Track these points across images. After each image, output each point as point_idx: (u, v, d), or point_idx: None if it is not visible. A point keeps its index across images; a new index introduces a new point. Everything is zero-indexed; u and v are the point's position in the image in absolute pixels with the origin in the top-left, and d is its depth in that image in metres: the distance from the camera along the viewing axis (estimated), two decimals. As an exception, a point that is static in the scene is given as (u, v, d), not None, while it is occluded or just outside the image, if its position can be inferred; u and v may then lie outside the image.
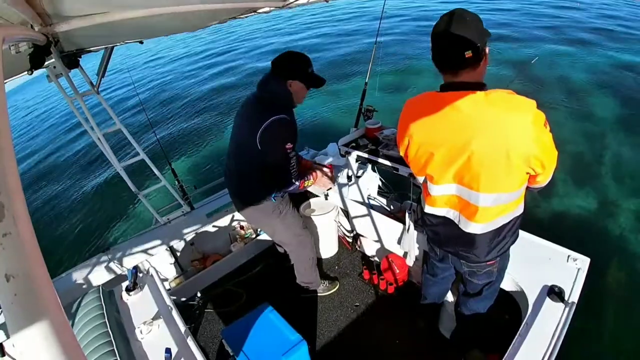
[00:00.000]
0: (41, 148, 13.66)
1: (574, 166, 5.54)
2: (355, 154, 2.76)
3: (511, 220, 1.60)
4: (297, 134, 2.26)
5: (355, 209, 2.95)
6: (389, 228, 2.75)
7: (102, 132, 2.51)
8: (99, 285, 2.20)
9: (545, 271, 2.04)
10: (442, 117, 1.44)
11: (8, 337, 0.41)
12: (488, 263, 1.73)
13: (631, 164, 5.53)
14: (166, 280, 3.13)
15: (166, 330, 1.94)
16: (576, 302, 1.87)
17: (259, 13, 1.98)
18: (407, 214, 2.45)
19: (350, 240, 3.43)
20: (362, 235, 3.22)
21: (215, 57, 19.10)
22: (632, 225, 4.40)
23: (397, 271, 2.89)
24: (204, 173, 7.53)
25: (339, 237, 3.48)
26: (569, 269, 2.04)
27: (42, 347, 0.41)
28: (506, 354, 1.69)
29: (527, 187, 1.56)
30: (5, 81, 0.56)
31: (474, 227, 1.59)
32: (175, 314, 2.02)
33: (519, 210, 1.61)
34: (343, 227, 3.47)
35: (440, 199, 1.66)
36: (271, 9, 1.86)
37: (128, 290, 2.22)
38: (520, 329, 1.79)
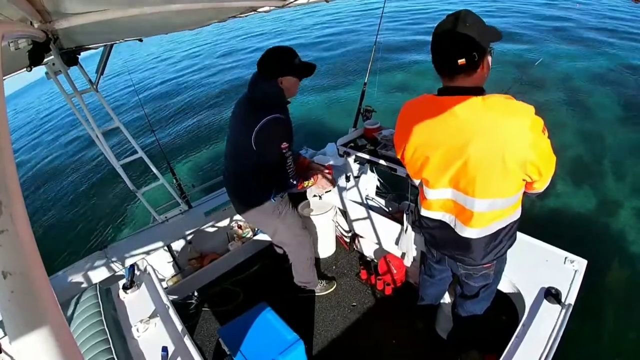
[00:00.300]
0: (39, 146, 13.65)
1: (572, 167, 5.56)
2: (353, 154, 2.76)
3: (508, 225, 1.59)
4: (293, 133, 2.24)
5: (353, 209, 2.95)
6: (387, 228, 2.75)
7: (101, 130, 2.51)
8: (96, 283, 2.20)
9: (542, 273, 2.05)
10: (439, 121, 1.44)
11: (5, 334, 0.41)
12: (485, 266, 1.73)
13: (630, 165, 5.53)
14: (163, 278, 3.12)
15: (163, 329, 1.94)
16: (573, 304, 1.87)
17: (259, 12, 1.97)
18: (404, 215, 2.45)
19: (347, 240, 3.43)
20: (360, 236, 3.22)
21: (215, 57, 19.12)
22: (630, 227, 4.41)
23: (395, 272, 2.90)
24: (202, 172, 7.54)
25: (336, 237, 3.48)
26: (566, 270, 2.04)
27: (38, 345, 0.41)
28: (503, 355, 1.69)
29: (524, 193, 1.56)
30: (4, 78, 0.56)
31: (469, 232, 1.59)
32: (172, 312, 2.02)
33: (516, 215, 1.60)
34: (341, 227, 3.47)
35: (436, 203, 1.66)
36: (271, 8, 1.85)
37: (125, 288, 2.22)
38: (517, 330, 1.79)
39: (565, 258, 2.10)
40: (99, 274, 2.63)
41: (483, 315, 2.00)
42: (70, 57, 2.04)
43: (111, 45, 2.46)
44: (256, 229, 3.53)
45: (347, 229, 3.40)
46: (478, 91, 1.39)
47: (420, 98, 1.55)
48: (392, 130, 2.75)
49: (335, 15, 21.61)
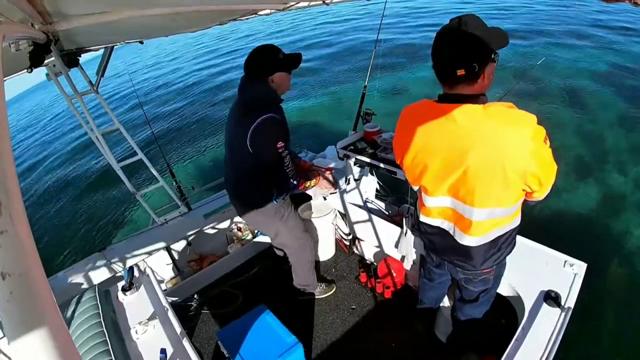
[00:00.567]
0: (39, 147, 13.65)
1: (572, 169, 5.54)
2: (353, 157, 2.76)
3: (507, 232, 1.58)
4: (288, 132, 2.23)
5: (353, 212, 2.95)
6: (387, 231, 2.75)
7: (101, 132, 2.51)
8: (95, 285, 2.20)
9: (542, 276, 2.05)
10: (439, 128, 1.42)
11: (3, 335, 0.41)
12: (484, 271, 1.72)
13: (632, 167, 5.53)
14: (162, 280, 3.12)
15: (162, 331, 1.93)
16: (572, 307, 1.87)
17: (260, 15, 1.98)
18: (404, 218, 2.45)
19: (347, 243, 3.43)
20: (360, 239, 3.22)
21: (215, 59, 19.16)
22: (631, 230, 4.40)
23: (394, 275, 2.89)
24: (201, 174, 7.54)
25: (336, 240, 3.48)
26: (566, 274, 2.04)
27: (37, 346, 0.41)
28: (502, 359, 1.69)
29: (525, 200, 1.54)
30: (5, 79, 0.56)
31: (468, 240, 1.58)
32: (171, 314, 2.01)
33: (515, 222, 1.59)
34: (340, 230, 3.47)
35: (435, 210, 1.65)
36: (272, 11, 1.86)
37: (124, 290, 2.21)
38: (517, 333, 1.79)
39: (565, 261, 2.09)
40: (98, 276, 2.63)
41: (482, 319, 1.99)
42: (70, 59, 2.05)
43: (112, 47, 2.47)
44: (256, 232, 3.53)
45: (346, 231, 3.40)
46: (479, 99, 1.36)
47: (420, 103, 1.53)
48: (392, 133, 2.75)
49: (335, 17, 21.64)
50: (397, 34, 14.52)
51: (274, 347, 2.04)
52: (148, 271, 2.37)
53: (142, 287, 2.26)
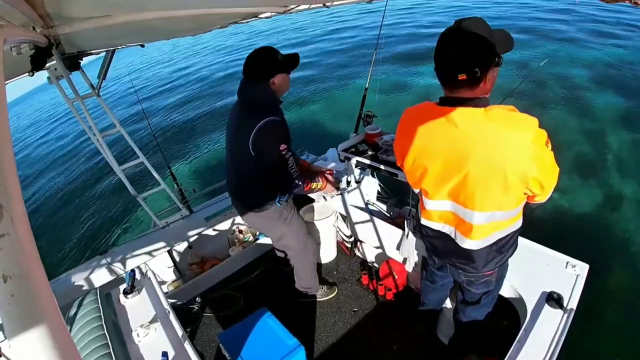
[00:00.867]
0: (40, 149, 13.68)
1: (574, 170, 5.53)
2: (354, 159, 2.76)
3: (509, 235, 1.58)
4: (290, 133, 2.23)
5: (355, 214, 2.95)
6: (388, 233, 2.74)
7: (102, 135, 2.51)
8: (96, 288, 2.20)
9: (544, 278, 2.04)
10: (440, 131, 1.41)
11: (5, 338, 0.41)
12: (486, 273, 1.72)
13: (634, 167, 5.52)
14: (164, 283, 3.12)
15: (163, 334, 1.93)
16: (575, 308, 1.86)
17: (260, 18, 1.99)
18: (406, 220, 2.44)
19: (349, 245, 3.43)
20: (361, 241, 3.22)
21: (216, 60, 19.20)
22: (633, 231, 4.39)
23: (396, 277, 2.89)
24: (203, 177, 7.55)
25: (337, 242, 3.48)
26: (568, 275, 2.04)
27: (38, 349, 0.41)
28: None
29: (527, 203, 1.53)
30: (6, 82, 0.56)
31: (470, 243, 1.57)
32: (172, 317, 2.01)
33: (517, 225, 1.58)
34: (342, 232, 3.47)
35: (435, 214, 1.65)
36: (272, 14, 1.87)
37: (126, 293, 2.21)
38: (519, 335, 1.78)
39: (567, 263, 2.09)
40: (99, 279, 2.63)
41: (484, 321, 1.99)
42: (72, 62, 2.05)
43: (113, 51, 2.48)
44: (257, 234, 3.53)
45: (348, 234, 3.39)
46: (480, 102, 1.35)
47: (422, 105, 1.52)
48: (393, 135, 2.75)
49: (336, 19, 21.69)
50: (398, 35, 14.54)
51: (276, 350, 2.04)
52: (150, 274, 2.37)
53: (143, 290, 2.26)
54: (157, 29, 1.74)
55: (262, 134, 2.06)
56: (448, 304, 2.37)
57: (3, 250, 0.41)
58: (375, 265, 3.23)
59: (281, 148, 2.14)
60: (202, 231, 3.18)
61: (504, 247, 1.62)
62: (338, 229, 3.43)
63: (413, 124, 1.52)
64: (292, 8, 1.61)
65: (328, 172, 2.76)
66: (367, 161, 2.65)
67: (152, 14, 1.18)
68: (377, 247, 2.98)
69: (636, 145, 5.97)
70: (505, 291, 2.10)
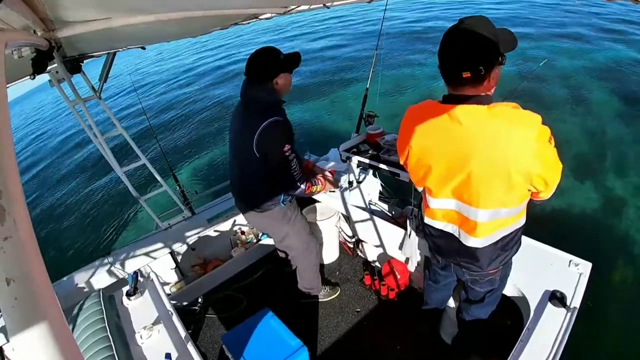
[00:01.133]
0: (42, 152, 13.71)
1: (577, 168, 5.52)
2: (356, 159, 2.76)
3: (512, 232, 1.57)
4: (293, 134, 2.23)
5: (357, 214, 2.94)
6: (390, 233, 2.74)
7: (104, 137, 2.52)
8: (99, 290, 2.20)
9: (547, 276, 2.04)
10: (443, 129, 1.41)
11: (8, 340, 0.41)
12: (490, 272, 1.71)
13: (636, 165, 5.50)
14: (167, 285, 3.12)
15: (166, 335, 1.93)
16: (578, 307, 1.86)
17: (261, 19, 1.99)
18: (408, 220, 2.44)
19: (351, 245, 3.43)
20: (364, 241, 3.21)
21: (217, 61, 19.20)
22: (636, 228, 4.38)
23: (399, 276, 2.89)
24: (205, 178, 7.55)
25: (340, 242, 3.47)
26: (571, 274, 2.03)
27: (41, 352, 0.41)
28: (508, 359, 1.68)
29: (530, 200, 1.53)
30: (7, 86, 0.57)
31: (474, 242, 1.57)
32: (175, 319, 2.01)
33: (521, 222, 1.58)
34: (344, 232, 3.46)
35: (439, 212, 1.64)
36: (273, 15, 1.87)
37: (128, 294, 2.21)
38: (522, 334, 1.78)
39: (570, 261, 2.08)
40: (102, 280, 2.64)
41: (488, 320, 1.98)
42: (73, 65, 2.06)
43: (114, 53, 2.49)
44: (259, 235, 3.53)
45: (350, 234, 3.39)
46: (484, 99, 1.35)
47: (425, 104, 1.52)
48: (394, 135, 2.75)
49: (336, 19, 21.68)
50: (399, 35, 14.53)
51: (279, 351, 2.04)
52: (152, 276, 2.37)
53: (146, 291, 2.26)
54: (157, 32, 1.74)
55: (266, 134, 2.07)
56: (451, 303, 2.36)
57: (6, 253, 0.41)
58: (378, 265, 3.23)
59: (285, 149, 2.13)
60: (205, 232, 3.18)
61: (508, 244, 1.61)
62: (340, 229, 3.43)
63: (416, 122, 1.52)
64: (293, 9, 1.62)
65: (329, 171, 2.76)
66: (369, 161, 2.65)
67: (153, 17, 1.19)
68: (379, 247, 2.98)
69: (639, 144, 5.95)
70: (508, 290, 2.09)
